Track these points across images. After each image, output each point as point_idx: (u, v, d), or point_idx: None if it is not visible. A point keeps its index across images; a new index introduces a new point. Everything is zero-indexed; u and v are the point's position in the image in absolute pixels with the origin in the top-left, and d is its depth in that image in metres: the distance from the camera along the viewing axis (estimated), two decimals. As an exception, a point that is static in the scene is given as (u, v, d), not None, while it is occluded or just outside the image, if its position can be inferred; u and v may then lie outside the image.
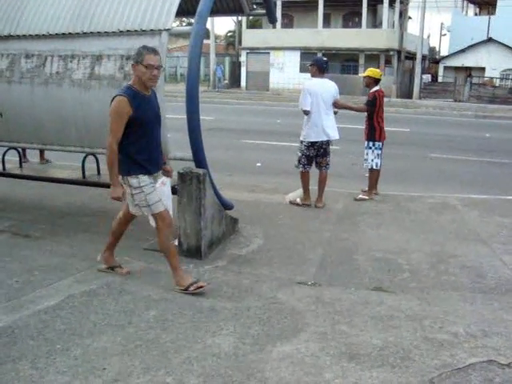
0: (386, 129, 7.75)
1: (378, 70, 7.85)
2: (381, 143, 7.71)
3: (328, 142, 7.19)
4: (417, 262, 5.34)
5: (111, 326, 3.82)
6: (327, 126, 7.06)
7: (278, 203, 7.46)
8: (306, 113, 6.99)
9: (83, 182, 6.50)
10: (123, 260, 5.10)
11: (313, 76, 7.15)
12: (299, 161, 7.23)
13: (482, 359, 3.46)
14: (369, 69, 7.95)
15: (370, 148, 7.72)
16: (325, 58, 7.45)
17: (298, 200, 7.32)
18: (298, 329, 3.84)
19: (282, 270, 5.04)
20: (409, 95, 35.47)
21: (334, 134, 7.15)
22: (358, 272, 5.04)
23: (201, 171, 5.17)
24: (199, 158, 5.33)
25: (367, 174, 8.05)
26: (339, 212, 7.17)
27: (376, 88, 7.61)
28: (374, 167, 7.77)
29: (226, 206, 5.90)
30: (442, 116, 24.09)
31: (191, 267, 4.99)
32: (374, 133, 7.64)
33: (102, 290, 4.42)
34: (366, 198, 7.78)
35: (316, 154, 7.19)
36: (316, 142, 7.08)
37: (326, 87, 7.07)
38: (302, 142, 7.18)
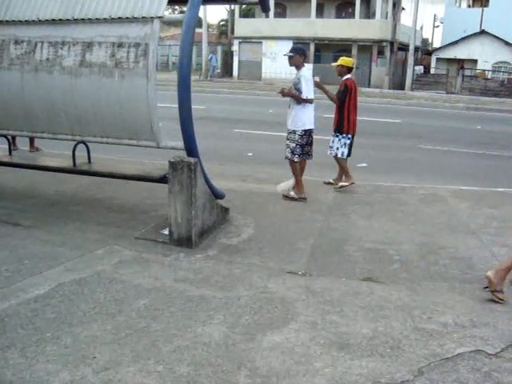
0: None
1: (350, 59, 7.78)
2: (349, 135, 7.64)
3: (313, 130, 7.17)
4: (407, 252, 5.36)
5: (101, 314, 3.81)
6: (313, 114, 7.11)
7: (269, 193, 7.46)
8: (311, 101, 6.92)
9: (74, 171, 6.44)
10: (114, 249, 5.09)
11: (298, 65, 7.02)
12: (293, 152, 7.03)
13: (470, 349, 3.49)
14: (341, 57, 7.83)
15: (337, 136, 7.65)
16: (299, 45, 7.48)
17: (293, 193, 7.18)
18: (288, 318, 3.85)
19: (272, 259, 5.04)
20: (401, 86, 35.53)
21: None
22: (348, 262, 5.06)
23: (192, 160, 5.15)
24: (191, 146, 5.31)
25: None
26: (330, 202, 7.18)
27: (347, 76, 7.55)
28: (339, 155, 7.67)
29: (217, 195, 5.89)
30: (433, 108, 24.13)
31: (182, 256, 4.99)
32: (342, 124, 7.58)
33: (92, 278, 4.41)
34: (346, 184, 7.69)
35: (306, 142, 7.11)
36: (309, 130, 7.04)
37: (311, 75, 7.12)
38: (294, 131, 7.01)
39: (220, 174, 7.90)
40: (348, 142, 7.65)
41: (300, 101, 6.92)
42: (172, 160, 5.17)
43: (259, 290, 4.31)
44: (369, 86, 35.05)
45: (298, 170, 7.17)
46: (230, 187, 6.97)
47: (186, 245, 5.22)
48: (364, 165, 10.03)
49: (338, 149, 7.66)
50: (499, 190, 8.24)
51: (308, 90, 6.89)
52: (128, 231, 5.58)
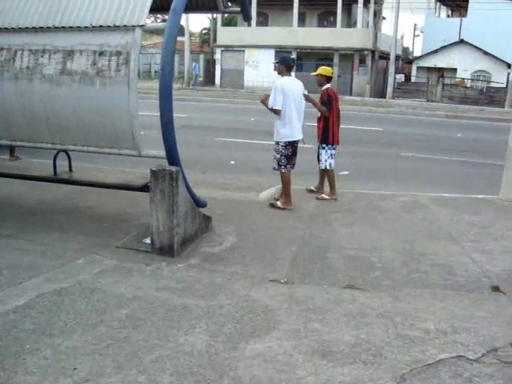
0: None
1: (329, 68, 7.80)
2: (335, 145, 7.67)
3: (298, 141, 7.13)
4: (389, 259, 5.40)
5: (82, 325, 3.77)
6: (299, 125, 7.02)
7: (251, 201, 7.47)
8: (277, 112, 6.82)
9: (55, 180, 6.39)
10: (95, 258, 5.04)
11: (280, 74, 7.04)
12: (279, 162, 7.02)
13: (451, 355, 3.52)
14: (320, 67, 7.87)
15: (324, 148, 7.67)
16: (292, 56, 7.40)
17: (279, 204, 7.15)
18: (270, 327, 3.84)
19: (255, 267, 5.04)
20: (382, 95, 35.87)
21: (301, 134, 7.09)
22: (330, 270, 5.08)
23: (174, 169, 5.14)
24: (172, 155, 5.29)
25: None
26: (312, 210, 7.21)
27: (327, 86, 7.58)
28: (328, 167, 7.70)
29: (199, 203, 5.87)
30: (414, 116, 24.38)
31: (164, 265, 4.96)
32: (328, 136, 7.60)
33: (73, 288, 4.36)
34: (327, 198, 7.73)
35: (292, 153, 7.09)
36: (294, 141, 7.00)
37: (296, 85, 7.02)
38: (278, 142, 7.00)
39: (202, 182, 7.89)
40: (334, 152, 7.69)
41: (269, 110, 6.92)
42: (154, 169, 5.15)
43: (242, 299, 4.30)
44: (351, 94, 35.32)
45: (287, 180, 7.09)
46: (212, 196, 6.96)
47: (168, 254, 5.19)
48: (346, 173, 10.09)
49: (326, 160, 7.69)
50: (479, 196, 8.34)
51: (275, 101, 6.79)
52: (109, 240, 5.54)
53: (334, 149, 7.68)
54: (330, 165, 7.69)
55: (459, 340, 3.73)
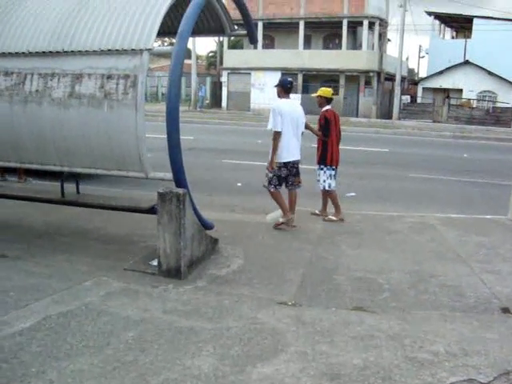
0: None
1: (329, 90, 7.85)
2: (333, 166, 7.64)
3: (298, 161, 7.18)
4: (397, 281, 5.36)
5: (89, 347, 3.74)
6: (296, 146, 7.06)
7: (258, 223, 7.45)
8: (278, 134, 6.87)
9: (62, 202, 6.42)
10: (102, 280, 5.03)
11: (279, 96, 7.14)
12: (270, 182, 7.06)
13: (462, 378, 3.46)
14: (320, 88, 7.93)
15: (322, 169, 7.67)
16: (289, 79, 7.40)
17: (281, 219, 7.18)
18: (278, 349, 3.80)
19: (262, 290, 5.01)
20: (388, 116, 35.99)
21: (299, 155, 7.14)
22: (338, 292, 5.04)
23: (181, 191, 5.15)
24: (179, 177, 5.31)
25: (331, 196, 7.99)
26: (319, 232, 7.18)
27: (327, 107, 7.61)
28: (327, 188, 7.68)
29: (206, 225, 5.87)
30: (421, 136, 24.41)
31: (171, 287, 4.94)
32: (326, 157, 7.59)
33: (79, 310, 4.35)
34: (334, 219, 7.72)
35: (288, 174, 7.11)
36: (288, 162, 7.04)
37: (293, 107, 7.09)
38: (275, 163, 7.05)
39: (209, 204, 7.89)
40: (333, 173, 7.67)
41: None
42: (161, 191, 5.16)
43: (249, 321, 4.27)
44: (357, 115, 35.46)
45: (278, 197, 7.13)
46: (219, 217, 6.95)
47: (175, 276, 5.17)
48: (352, 194, 10.07)
49: (324, 181, 7.67)
50: (487, 217, 8.29)
51: (275, 123, 6.85)
52: (117, 262, 5.54)
53: (333, 169, 7.66)
54: (330, 185, 7.67)
55: (470, 363, 3.67)
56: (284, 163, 7.01)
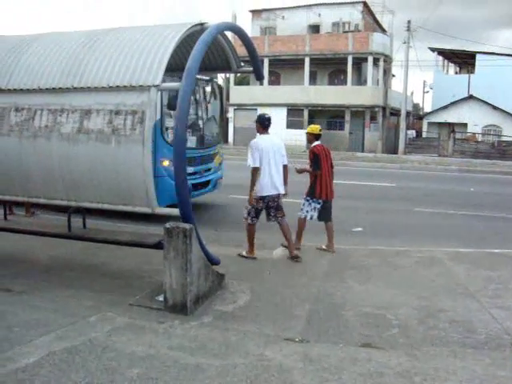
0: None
1: (316, 126, 8.08)
2: (320, 200, 7.77)
3: (279, 196, 7.29)
4: (405, 317, 5.28)
5: (93, 385, 3.69)
6: (276, 181, 7.20)
7: (264, 259, 7.41)
8: (255, 170, 7.05)
9: (68, 236, 6.43)
10: (107, 316, 4.99)
11: (258, 132, 7.39)
12: (249, 213, 7.26)
13: (474, 418, 3.38)
14: (309, 126, 8.25)
15: (308, 201, 7.81)
16: (267, 115, 7.63)
17: (244, 253, 7.36)
18: (285, 387, 3.74)
19: (269, 326, 4.95)
20: (394, 150, 36.15)
21: (281, 189, 7.27)
22: (346, 328, 4.97)
23: (187, 226, 5.15)
24: (186, 212, 5.31)
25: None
26: (326, 267, 7.13)
27: (316, 143, 7.81)
28: (308, 218, 7.82)
29: (212, 261, 5.84)
30: (427, 171, 24.43)
31: (177, 323, 4.89)
32: (315, 190, 7.73)
33: (84, 346, 4.30)
34: (325, 247, 7.85)
35: (266, 206, 7.27)
36: (266, 196, 7.18)
37: (272, 143, 7.26)
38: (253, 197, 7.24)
39: (215, 239, 7.88)
40: (318, 206, 7.79)
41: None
42: (167, 226, 5.16)
43: (256, 358, 4.20)
44: (362, 150, 35.63)
45: (251, 231, 7.31)
46: (225, 253, 6.94)
47: (181, 311, 5.13)
48: (359, 229, 10.03)
49: (307, 212, 7.81)
50: (495, 251, 8.22)
51: (254, 160, 7.05)
52: (122, 298, 5.50)
53: (318, 203, 7.77)
54: (312, 217, 7.82)
55: (482, 402, 3.59)
56: (261, 197, 7.18)
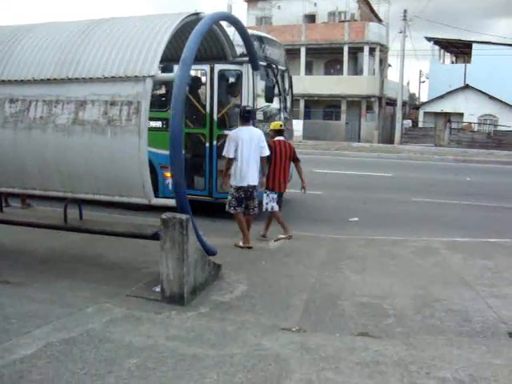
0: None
1: (276, 123, 8.33)
2: (275, 191, 7.97)
3: (254, 187, 7.40)
4: (402, 306, 5.30)
5: (90, 375, 3.70)
6: (248, 173, 7.29)
7: (261, 249, 7.43)
8: (231, 160, 7.23)
9: (65, 228, 6.41)
10: (105, 307, 5.00)
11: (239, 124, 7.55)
12: (229, 203, 7.44)
13: (470, 406, 3.41)
14: (271, 123, 8.48)
15: (265, 192, 8.01)
16: (248, 108, 7.73)
17: (240, 243, 7.45)
18: (282, 376, 3.75)
19: (266, 316, 4.96)
20: (390, 140, 36.13)
21: (254, 180, 7.38)
22: (342, 317, 4.99)
23: (184, 216, 5.14)
24: (182, 203, 5.31)
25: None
26: (322, 257, 7.15)
27: (276, 138, 8.01)
28: (269, 209, 8.00)
29: (209, 251, 5.85)
30: (423, 160, 24.45)
31: (174, 314, 4.90)
32: (268, 181, 7.92)
33: (82, 337, 4.31)
34: (284, 236, 7.96)
35: (245, 196, 7.39)
36: (242, 186, 7.31)
37: (250, 135, 7.31)
38: (231, 185, 7.40)
39: (212, 230, 7.87)
40: (275, 196, 7.99)
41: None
42: (164, 217, 5.15)
43: (253, 348, 4.22)
44: (359, 140, 35.62)
45: (240, 220, 7.41)
46: (221, 243, 6.94)
47: (178, 302, 5.13)
48: (356, 219, 10.05)
49: (267, 204, 8.00)
50: (491, 240, 8.25)
51: (227, 150, 7.24)
52: (119, 289, 5.50)
53: (275, 193, 7.98)
54: (272, 208, 8.00)
55: (477, 389, 3.62)
56: (238, 187, 7.33)
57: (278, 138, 8.04)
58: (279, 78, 9.71)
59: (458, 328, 4.76)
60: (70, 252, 6.99)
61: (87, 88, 5.52)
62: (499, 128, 35.72)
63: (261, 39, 9.33)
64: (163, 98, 9.35)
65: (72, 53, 5.68)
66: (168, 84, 9.06)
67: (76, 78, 5.56)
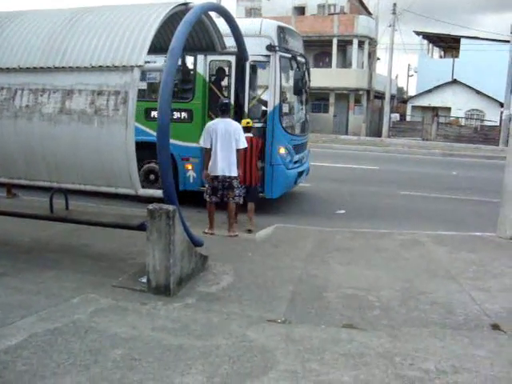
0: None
1: (245, 120, 8.34)
2: (243, 185, 8.02)
3: (231, 177, 7.47)
4: (387, 298, 5.35)
5: (76, 365, 3.69)
6: (223, 163, 7.40)
7: (248, 240, 7.44)
8: (206, 150, 7.46)
9: (50, 218, 6.37)
10: (90, 297, 4.98)
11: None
12: (206, 191, 7.68)
13: (452, 397, 3.45)
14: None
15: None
16: (225, 101, 7.83)
17: (207, 230, 7.62)
18: (267, 367, 3.77)
19: (251, 307, 4.98)
20: (378, 134, 36.24)
21: (229, 171, 7.44)
22: (328, 309, 5.02)
23: (170, 207, 5.13)
24: (169, 194, 5.30)
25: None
26: (309, 249, 7.17)
27: (247, 134, 7.99)
28: (241, 202, 8.00)
29: (195, 242, 5.85)
30: (410, 154, 24.57)
31: (160, 305, 4.90)
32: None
33: (67, 328, 4.29)
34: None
35: (222, 186, 7.51)
36: (218, 176, 7.43)
37: (226, 127, 7.40)
38: (207, 175, 7.56)
39: (198, 221, 7.87)
40: (244, 190, 8.02)
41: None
42: (150, 207, 5.14)
43: (238, 339, 4.23)
44: (346, 133, 35.69)
45: (211, 209, 7.68)
46: (208, 235, 6.93)
47: (164, 293, 5.13)
48: (342, 211, 10.10)
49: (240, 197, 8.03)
50: (477, 234, 8.32)
51: (203, 141, 7.47)
52: (105, 279, 5.49)
53: (244, 188, 7.98)
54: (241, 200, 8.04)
55: (460, 380, 3.66)
56: (214, 176, 7.47)
57: (246, 135, 8.04)
58: (305, 70, 9.70)
59: (442, 320, 4.81)
60: (55, 242, 6.94)
61: (74, 77, 5.46)
62: (486, 123, 35.96)
63: (291, 32, 9.35)
64: (185, 89, 9.30)
65: (59, 41, 5.61)
66: (190, 74, 9.15)
67: (63, 67, 5.50)
